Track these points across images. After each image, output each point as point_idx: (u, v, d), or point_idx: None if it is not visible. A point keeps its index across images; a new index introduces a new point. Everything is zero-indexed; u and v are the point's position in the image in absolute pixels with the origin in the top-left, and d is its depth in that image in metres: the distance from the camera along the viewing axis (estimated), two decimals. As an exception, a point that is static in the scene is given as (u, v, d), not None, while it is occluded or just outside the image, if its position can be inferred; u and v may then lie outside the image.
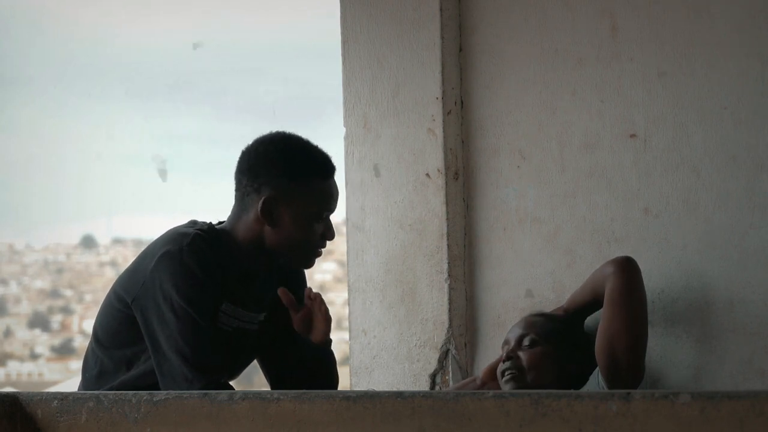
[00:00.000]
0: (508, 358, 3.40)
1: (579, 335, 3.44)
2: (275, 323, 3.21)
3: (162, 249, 3.01)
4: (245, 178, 3.08)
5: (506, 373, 3.38)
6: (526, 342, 3.41)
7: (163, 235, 3.09)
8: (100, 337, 3.12)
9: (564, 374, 3.38)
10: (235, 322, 3.09)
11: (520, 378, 3.36)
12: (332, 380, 3.23)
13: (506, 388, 3.36)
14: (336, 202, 3.14)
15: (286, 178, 3.06)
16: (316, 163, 3.11)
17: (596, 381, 3.34)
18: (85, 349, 3.21)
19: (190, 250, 2.99)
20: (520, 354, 3.39)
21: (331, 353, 3.24)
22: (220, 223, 3.15)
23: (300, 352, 3.19)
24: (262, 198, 3.05)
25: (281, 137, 3.13)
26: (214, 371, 2.94)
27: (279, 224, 3.06)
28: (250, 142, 3.14)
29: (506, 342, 3.47)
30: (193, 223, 3.12)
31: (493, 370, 3.52)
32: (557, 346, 3.40)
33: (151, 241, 3.13)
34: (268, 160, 3.08)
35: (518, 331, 3.45)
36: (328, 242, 3.15)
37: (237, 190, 3.11)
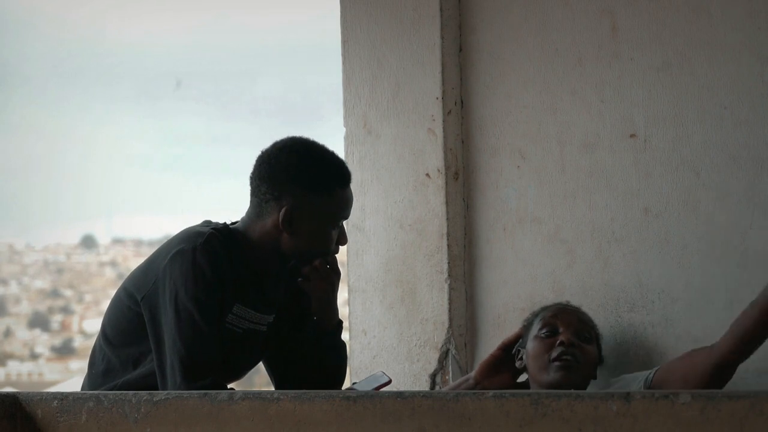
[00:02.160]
0: (570, 344, 3.32)
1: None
2: (282, 324, 3.21)
3: (176, 247, 3.01)
4: (264, 186, 3.08)
5: (562, 359, 3.31)
6: (583, 336, 3.36)
7: (178, 234, 3.10)
8: (109, 334, 3.12)
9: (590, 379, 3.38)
10: (246, 324, 3.09)
11: (574, 368, 3.31)
12: (340, 376, 3.22)
13: (556, 374, 3.30)
14: (351, 208, 3.15)
15: (307, 188, 3.06)
16: (335, 174, 3.11)
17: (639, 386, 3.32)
18: (91, 347, 3.20)
19: (204, 249, 2.99)
20: (582, 346, 3.35)
21: (342, 344, 3.24)
22: (233, 223, 3.15)
23: (307, 349, 3.19)
24: (284, 208, 3.05)
25: (301, 145, 3.13)
26: (206, 374, 2.94)
27: (298, 233, 3.07)
28: (268, 147, 3.13)
29: (547, 324, 3.38)
30: (208, 222, 3.12)
31: (488, 367, 3.51)
32: (599, 349, 3.41)
33: (159, 240, 3.13)
34: (289, 170, 3.08)
35: (574, 322, 3.38)
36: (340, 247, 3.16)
37: (254, 195, 3.10)
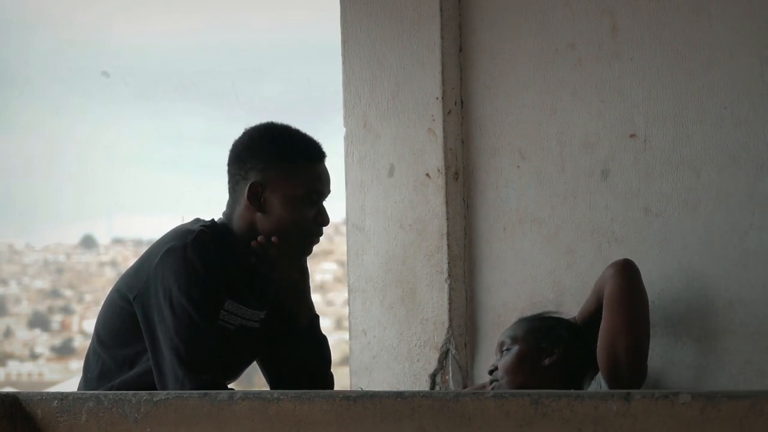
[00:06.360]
0: (490, 371, 3.40)
1: (562, 331, 3.41)
2: (274, 321, 3.21)
3: (166, 246, 3.02)
4: (234, 168, 3.12)
5: (491, 385, 3.37)
6: (503, 348, 3.41)
7: (168, 232, 3.10)
8: (102, 336, 3.12)
9: (544, 370, 3.35)
10: (239, 320, 3.09)
11: (504, 388, 3.34)
12: (326, 368, 3.22)
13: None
14: (325, 186, 3.13)
15: (271, 162, 3.08)
16: (300, 147, 3.12)
17: (597, 386, 3.33)
18: (86, 350, 3.20)
19: (194, 246, 2.99)
20: (499, 363, 3.39)
21: (323, 337, 3.23)
22: (220, 219, 3.16)
23: (292, 344, 3.19)
24: (249, 183, 3.07)
25: (268, 125, 3.18)
26: (207, 371, 2.94)
27: (268, 209, 3.08)
28: (240, 134, 3.17)
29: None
30: (197, 220, 3.13)
31: None
32: (532, 344, 3.38)
33: (154, 240, 3.14)
34: (254, 147, 3.11)
35: (498, 341, 3.45)
36: (324, 229, 3.14)
37: (228, 182, 3.14)
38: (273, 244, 3.09)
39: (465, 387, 3.76)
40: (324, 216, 3.11)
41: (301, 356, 3.18)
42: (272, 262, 3.12)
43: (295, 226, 3.09)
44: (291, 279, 3.15)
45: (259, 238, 3.09)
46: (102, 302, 3.17)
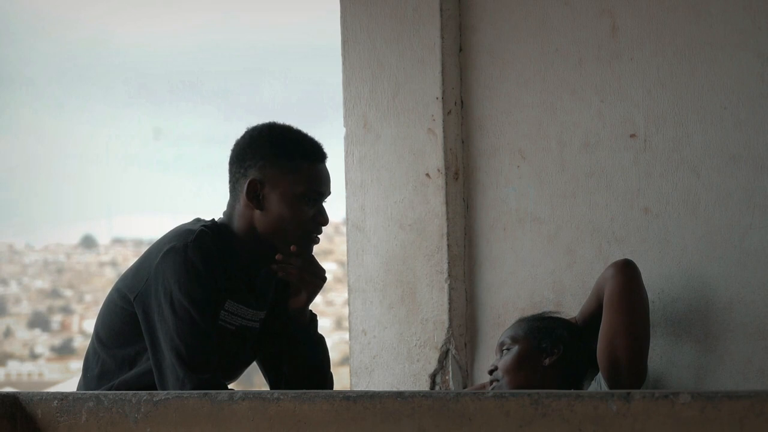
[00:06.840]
0: (490, 371, 3.40)
1: (562, 331, 3.41)
2: (273, 321, 3.21)
3: (167, 245, 3.02)
4: (234, 166, 3.13)
5: (492, 385, 3.37)
6: (503, 348, 3.41)
7: (168, 232, 3.10)
8: (102, 336, 3.11)
9: (544, 370, 3.35)
10: (239, 321, 3.09)
11: (504, 388, 3.34)
12: (325, 368, 3.22)
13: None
14: (325, 186, 3.13)
15: (270, 159, 3.09)
16: (300, 146, 3.13)
17: (597, 386, 3.33)
18: (86, 350, 3.21)
19: (195, 246, 2.99)
20: (499, 363, 3.39)
21: (321, 337, 3.23)
22: (221, 219, 3.16)
23: (295, 347, 3.19)
24: (248, 180, 3.07)
25: (269, 125, 3.18)
26: (207, 371, 2.94)
27: (266, 207, 3.08)
28: (241, 133, 3.18)
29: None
30: (198, 220, 3.13)
31: None
32: (533, 344, 3.38)
33: (154, 240, 3.14)
34: (255, 145, 3.12)
35: (498, 341, 3.45)
36: (323, 229, 3.13)
37: (229, 180, 3.14)
38: (292, 262, 3.10)
39: (465, 387, 3.76)
40: (323, 216, 3.11)
41: (300, 356, 3.18)
42: (294, 276, 3.12)
43: (293, 224, 3.09)
44: (312, 285, 3.15)
45: (277, 257, 3.09)
46: (102, 302, 3.17)
